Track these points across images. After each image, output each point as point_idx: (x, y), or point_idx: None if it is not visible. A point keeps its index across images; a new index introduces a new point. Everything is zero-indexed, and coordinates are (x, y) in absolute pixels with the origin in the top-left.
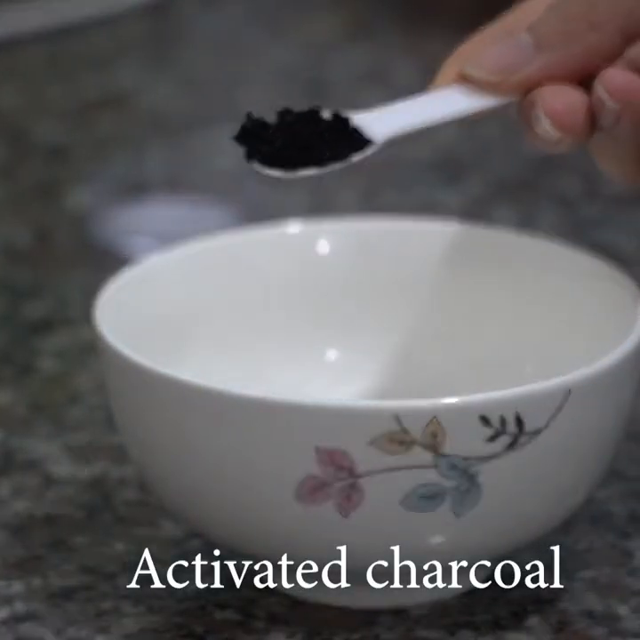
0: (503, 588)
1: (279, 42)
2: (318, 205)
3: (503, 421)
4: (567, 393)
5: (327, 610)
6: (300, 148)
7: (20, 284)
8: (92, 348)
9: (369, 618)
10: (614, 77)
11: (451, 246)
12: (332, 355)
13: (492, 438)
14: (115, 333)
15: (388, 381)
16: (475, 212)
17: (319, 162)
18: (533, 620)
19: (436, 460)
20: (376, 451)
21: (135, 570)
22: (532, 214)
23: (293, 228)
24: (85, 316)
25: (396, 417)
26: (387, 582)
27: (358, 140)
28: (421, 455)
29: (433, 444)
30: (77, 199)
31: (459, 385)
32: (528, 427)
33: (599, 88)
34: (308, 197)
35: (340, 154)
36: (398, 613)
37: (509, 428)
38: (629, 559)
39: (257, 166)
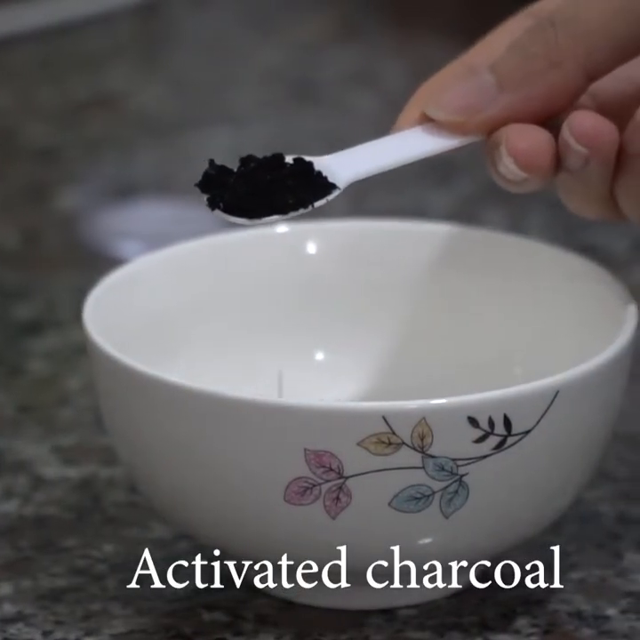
0: (491, 589)
1: (268, 43)
2: None
3: (491, 422)
4: (555, 394)
5: (316, 611)
6: (263, 196)
7: (8, 285)
8: (82, 350)
9: (358, 619)
10: (582, 121)
11: (439, 248)
12: (320, 356)
13: (480, 439)
14: (104, 335)
15: (376, 382)
16: (464, 214)
17: (282, 209)
18: (522, 622)
19: (423, 461)
20: (364, 452)
21: (124, 571)
22: (521, 216)
23: (282, 228)
24: (74, 317)
25: (384, 418)
26: (375, 584)
27: (321, 184)
28: (409, 456)
29: (421, 445)
30: (67, 200)
31: (447, 386)
32: (516, 428)
33: (565, 131)
34: None
35: (303, 200)
36: (387, 614)
37: (497, 429)
38: (618, 560)
39: (220, 214)
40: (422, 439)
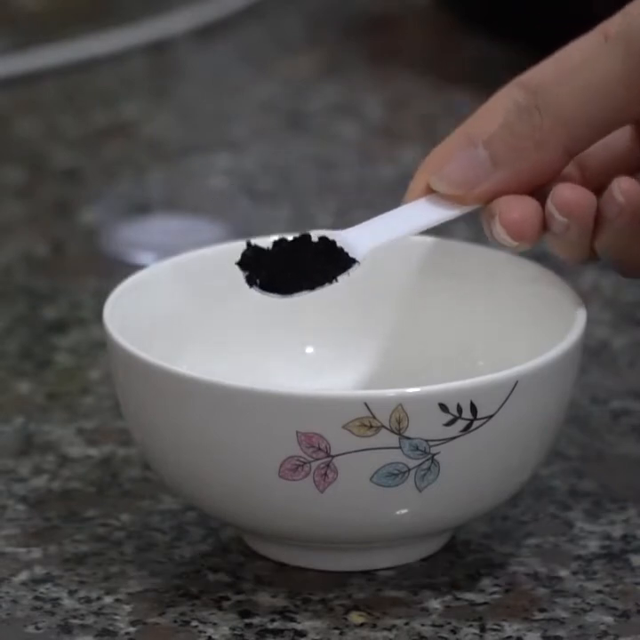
0: (459, 554)
1: (264, 78)
2: (299, 222)
3: (459, 408)
4: (515, 383)
5: (307, 573)
6: (293, 274)
7: (38, 289)
8: (102, 345)
9: (343, 580)
10: (562, 192)
11: (414, 256)
12: (310, 351)
13: (450, 423)
14: (121, 332)
15: (358, 374)
16: (435, 227)
17: (310, 285)
18: (486, 582)
19: (400, 442)
20: (348, 434)
21: (139, 538)
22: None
23: (277, 239)
24: (96, 317)
25: (366, 404)
26: (358, 548)
27: (343, 259)
28: (388, 438)
29: (398, 428)
30: (89, 215)
31: (420, 377)
32: (481, 413)
33: (549, 203)
34: (290, 215)
35: (328, 276)
36: (368, 575)
37: (465, 414)
38: (569, 528)
39: (257, 290)
40: (399, 423)
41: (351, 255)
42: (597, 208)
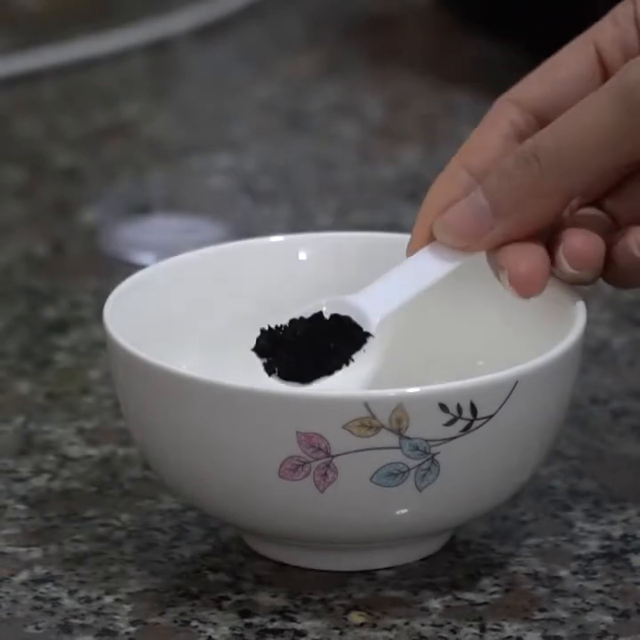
0: (459, 553)
1: (263, 78)
2: (299, 222)
3: (459, 408)
4: (515, 383)
5: (307, 573)
6: (311, 361)
7: (38, 289)
8: (102, 345)
9: (343, 580)
10: (573, 243)
11: None
12: None
13: (450, 423)
14: (121, 332)
15: (358, 373)
16: None
17: (328, 370)
18: (486, 582)
19: (400, 442)
20: (348, 434)
21: (139, 538)
22: None
23: (276, 239)
24: (96, 316)
25: (366, 405)
26: (358, 548)
27: (357, 335)
28: (388, 438)
29: (398, 428)
30: (89, 215)
31: (420, 377)
32: (481, 413)
33: (560, 255)
34: (290, 215)
35: (344, 357)
36: (368, 575)
37: (465, 414)
38: (569, 528)
39: (276, 379)
40: (399, 423)
41: (365, 329)
42: (607, 253)
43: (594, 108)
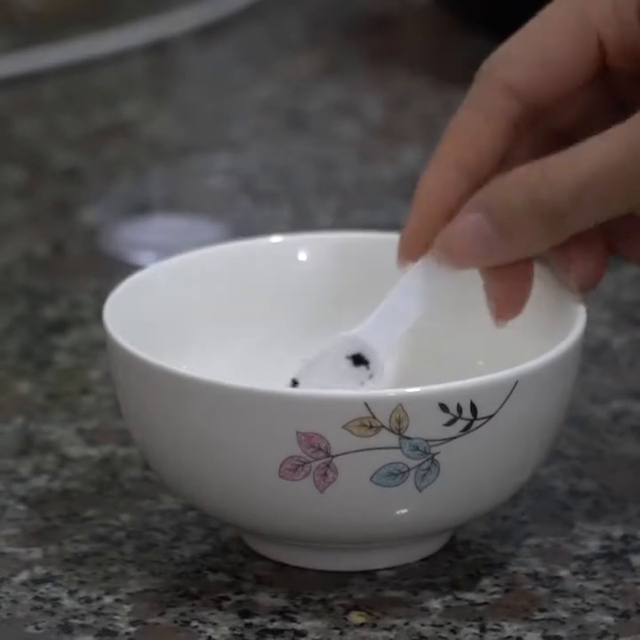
0: (459, 553)
1: (263, 78)
2: (299, 222)
3: (459, 408)
4: (515, 383)
5: (307, 573)
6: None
7: (38, 289)
8: (102, 345)
9: (343, 580)
10: (579, 274)
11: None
12: (310, 351)
13: (450, 423)
14: (121, 332)
15: None
16: None
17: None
18: (486, 582)
19: (400, 442)
20: (348, 434)
21: (139, 538)
22: None
23: (276, 239)
24: (96, 316)
25: (366, 404)
26: (358, 548)
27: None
28: (388, 438)
29: (398, 428)
30: (89, 215)
31: (420, 376)
32: (481, 413)
33: (570, 281)
34: (290, 215)
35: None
36: (368, 575)
37: (465, 414)
38: (569, 528)
39: None
40: (399, 423)
41: (373, 364)
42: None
43: (607, 149)
